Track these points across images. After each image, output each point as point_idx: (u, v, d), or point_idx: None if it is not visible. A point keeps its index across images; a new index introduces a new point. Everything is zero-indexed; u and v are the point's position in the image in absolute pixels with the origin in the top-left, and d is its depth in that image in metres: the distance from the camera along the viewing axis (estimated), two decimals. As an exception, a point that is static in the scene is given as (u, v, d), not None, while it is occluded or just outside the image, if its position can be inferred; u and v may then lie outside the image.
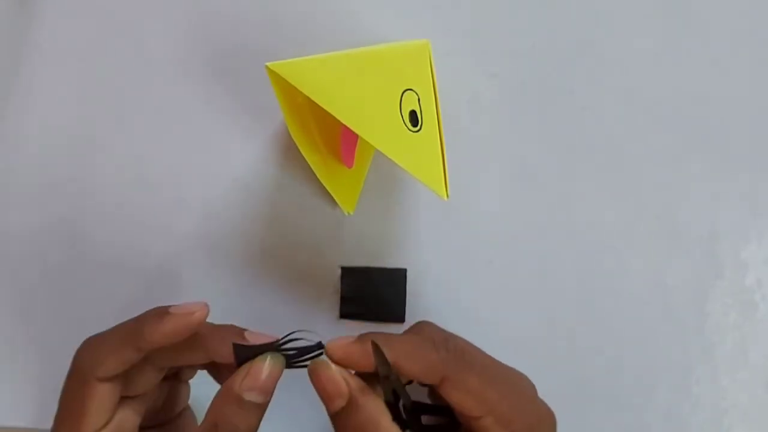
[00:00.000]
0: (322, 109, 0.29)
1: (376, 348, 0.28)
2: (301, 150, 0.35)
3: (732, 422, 0.38)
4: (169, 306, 0.29)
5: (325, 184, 0.37)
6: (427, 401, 0.33)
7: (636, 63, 0.40)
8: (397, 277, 0.39)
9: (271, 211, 0.41)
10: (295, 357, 0.29)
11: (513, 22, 0.41)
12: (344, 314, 0.40)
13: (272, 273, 0.40)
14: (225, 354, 0.29)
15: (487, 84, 0.41)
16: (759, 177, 0.40)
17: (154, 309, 0.30)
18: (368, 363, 0.28)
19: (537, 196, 0.40)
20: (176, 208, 0.41)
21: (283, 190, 0.41)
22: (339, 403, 0.28)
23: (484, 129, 0.40)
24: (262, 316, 0.40)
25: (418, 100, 0.32)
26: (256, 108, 0.41)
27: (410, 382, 0.30)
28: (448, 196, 0.32)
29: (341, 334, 0.39)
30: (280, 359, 0.28)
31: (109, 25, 0.42)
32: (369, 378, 0.29)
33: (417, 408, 0.30)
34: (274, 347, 0.28)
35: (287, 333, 0.29)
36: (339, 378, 0.28)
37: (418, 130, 0.32)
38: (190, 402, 0.36)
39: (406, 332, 0.31)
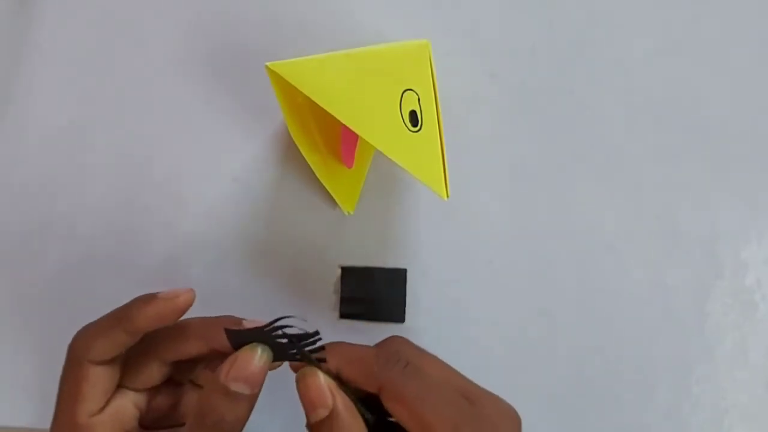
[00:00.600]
0: (322, 109, 0.29)
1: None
2: (301, 150, 0.35)
3: (732, 422, 0.38)
4: (157, 292, 0.30)
5: (325, 184, 0.37)
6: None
7: (636, 63, 0.40)
8: (397, 277, 0.39)
9: (271, 211, 0.41)
10: (291, 347, 0.28)
11: (513, 22, 0.41)
12: (344, 314, 0.39)
13: (272, 273, 0.40)
14: (222, 341, 0.29)
15: (487, 84, 0.41)
16: (759, 177, 0.40)
17: (143, 295, 0.30)
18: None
19: (537, 196, 0.40)
20: (176, 208, 0.41)
21: (283, 190, 0.41)
22: (321, 413, 0.28)
23: (484, 129, 0.40)
24: (262, 316, 0.40)
25: (418, 100, 0.32)
26: (256, 108, 0.41)
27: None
28: (448, 196, 0.32)
29: (341, 334, 0.39)
30: (267, 350, 0.28)
31: (109, 25, 0.42)
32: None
33: (381, 424, 0.30)
34: (265, 330, 0.28)
35: (277, 318, 0.28)
36: (325, 388, 0.28)
37: (418, 130, 0.32)
38: None
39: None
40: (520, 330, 0.39)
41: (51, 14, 0.43)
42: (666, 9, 0.41)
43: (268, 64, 0.29)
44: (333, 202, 0.39)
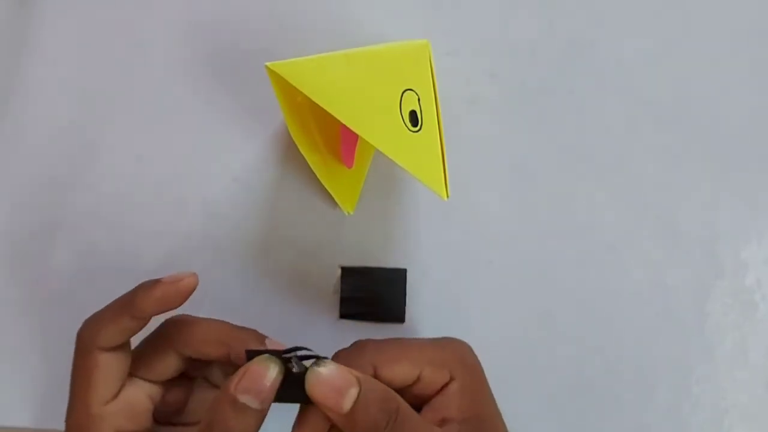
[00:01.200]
0: (322, 109, 0.29)
1: None
2: (301, 150, 0.35)
3: (732, 422, 0.38)
4: (161, 277, 0.30)
5: (325, 184, 0.37)
6: None
7: (636, 63, 0.40)
8: (397, 277, 0.39)
9: (271, 211, 0.41)
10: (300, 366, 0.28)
11: (513, 22, 0.41)
12: (344, 314, 0.40)
13: (272, 273, 0.40)
14: (241, 353, 0.29)
15: (487, 84, 0.41)
16: (759, 177, 0.40)
17: (147, 280, 0.31)
18: None
19: (537, 196, 0.40)
20: (176, 208, 0.41)
21: (283, 190, 0.41)
22: (354, 392, 0.27)
23: (484, 129, 0.40)
24: (262, 316, 0.40)
25: (418, 100, 0.32)
26: (256, 108, 0.41)
27: None
28: (448, 196, 0.32)
29: (341, 334, 0.39)
30: (279, 365, 0.28)
31: (109, 25, 0.42)
32: None
33: None
34: (283, 354, 0.28)
35: (298, 347, 0.28)
36: (344, 369, 0.27)
37: (418, 130, 0.32)
38: None
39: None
40: (520, 330, 0.39)
41: (51, 14, 0.43)
42: (666, 9, 0.41)
43: (268, 64, 0.29)
44: (333, 202, 0.39)
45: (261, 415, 0.27)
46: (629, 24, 0.41)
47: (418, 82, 0.33)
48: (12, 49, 0.42)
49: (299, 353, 0.28)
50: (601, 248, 0.39)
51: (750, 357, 0.39)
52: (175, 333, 0.32)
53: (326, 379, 0.27)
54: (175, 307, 0.30)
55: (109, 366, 0.30)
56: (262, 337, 0.31)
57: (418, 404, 0.31)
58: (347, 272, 0.40)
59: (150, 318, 0.30)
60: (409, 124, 0.31)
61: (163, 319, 0.32)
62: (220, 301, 0.40)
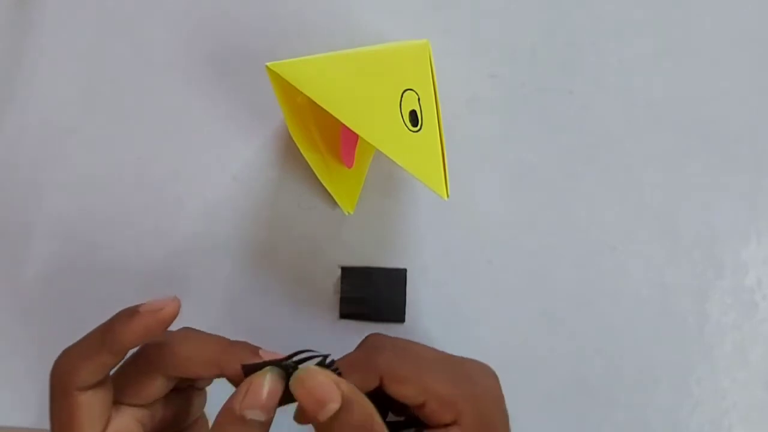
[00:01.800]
0: (322, 109, 0.29)
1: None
2: (301, 150, 0.35)
3: (732, 422, 0.38)
4: (139, 305, 0.28)
5: (325, 184, 0.37)
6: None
7: (636, 63, 0.40)
8: (397, 277, 0.39)
9: (271, 211, 0.41)
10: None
11: (513, 22, 0.41)
12: (344, 314, 0.39)
13: (272, 273, 0.40)
14: (237, 372, 0.28)
15: (487, 84, 0.41)
16: (759, 177, 0.40)
17: (124, 309, 0.29)
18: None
19: (537, 196, 0.40)
20: (176, 208, 0.41)
21: (283, 190, 0.41)
22: (332, 408, 0.26)
23: (484, 129, 0.40)
24: (262, 316, 0.40)
25: (418, 100, 0.32)
26: (256, 108, 0.41)
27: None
28: (448, 196, 0.32)
29: (341, 334, 0.39)
30: (281, 374, 0.27)
31: (109, 26, 0.42)
32: None
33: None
34: (281, 363, 0.27)
35: (298, 351, 0.28)
36: (330, 382, 0.27)
37: (418, 130, 0.32)
38: (207, 409, 0.35)
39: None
40: (520, 330, 0.39)
41: (51, 14, 0.43)
42: (666, 9, 0.41)
43: (268, 64, 0.29)
44: (333, 202, 0.39)
45: (267, 425, 0.27)
46: (629, 24, 0.41)
47: (418, 82, 0.33)
48: (12, 49, 0.42)
49: (302, 356, 0.27)
50: (601, 248, 0.39)
51: (750, 357, 0.39)
52: (158, 356, 0.30)
53: (309, 387, 0.27)
54: (157, 336, 0.29)
55: (90, 406, 0.28)
56: (255, 349, 0.30)
57: (423, 421, 0.31)
58: (347, 272, 0.40)
59: (129, 350, 0.28)
60: (409, 124, 0.31)
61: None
62: (220, 301, 0.40)
